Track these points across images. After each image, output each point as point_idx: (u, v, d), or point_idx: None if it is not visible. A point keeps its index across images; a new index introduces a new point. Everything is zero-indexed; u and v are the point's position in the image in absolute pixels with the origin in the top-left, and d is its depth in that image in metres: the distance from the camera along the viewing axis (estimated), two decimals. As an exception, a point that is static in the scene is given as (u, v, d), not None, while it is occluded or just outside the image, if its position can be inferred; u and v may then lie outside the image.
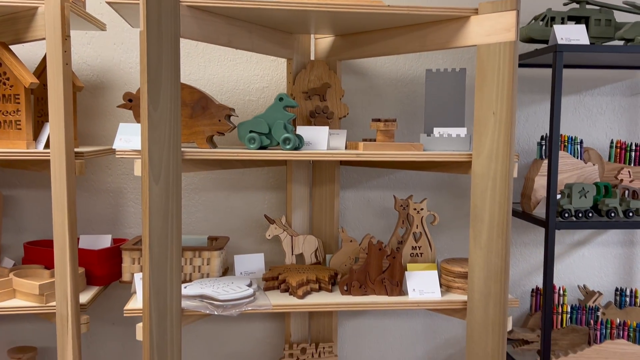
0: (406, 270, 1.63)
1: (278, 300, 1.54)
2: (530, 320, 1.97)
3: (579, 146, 1.84)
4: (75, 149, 1.47)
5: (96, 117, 1.86)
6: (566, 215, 1.66)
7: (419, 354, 2.06)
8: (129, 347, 1.94)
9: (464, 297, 1.57)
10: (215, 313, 1.45)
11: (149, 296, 1.36)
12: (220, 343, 1.97)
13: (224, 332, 1.97)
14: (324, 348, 1.88)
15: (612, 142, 1.92)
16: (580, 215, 1.67)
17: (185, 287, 1.51)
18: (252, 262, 1.76)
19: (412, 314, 2.04)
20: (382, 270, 1.60)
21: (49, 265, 1.60)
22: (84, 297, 1.54)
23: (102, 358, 1.93)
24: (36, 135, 1.54)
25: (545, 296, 1.66)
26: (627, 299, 1.96)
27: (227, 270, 1.79)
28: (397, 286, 1.59)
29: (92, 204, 1.88)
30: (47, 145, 1.48)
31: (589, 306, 1.89)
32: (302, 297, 1.55)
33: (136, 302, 1.49)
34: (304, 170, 1.87)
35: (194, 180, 1.92)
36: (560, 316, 1.88)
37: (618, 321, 1.79)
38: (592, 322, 1.80)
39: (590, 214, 1.67)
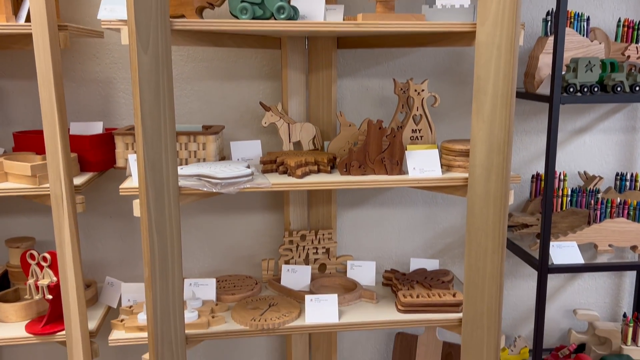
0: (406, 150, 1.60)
1: (276, 180, 1.51)
2: (529, 205, 1.96)
3: (585, 23, 1.77)
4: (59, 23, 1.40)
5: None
6: (571, 90, 1.61)
7: (417, 243, 2.07)
8: (127, 240, 1.93)
9: (465, 175, 1.54)
10: (214, 190, 1.42)
11: (144, 171, 1.33)
12: (219, 235, 1.97)
13: (223, 224, 1.97)
14: (323, 235, 1.88)
15: (619, 20, 1.84)
16: (585, 90, 1.62)
17: (181, 169, 1.48)
18: (249, 149, 1.72)
19: (411, 203, 2.03)
20: (381, 150, 1.56)
21: (40, 152, 1.56)
22: (78, 180, 1.50)
23: (100, 250, 1.93)
24: (16, 12, 1.46)
25: (547, 173, 1.64)
26: (627, 183, 1.95)
27: (223, 159, 1.76)
28: (397, 165, 1.56)
29: (81, 94, 1.82)
30: (28, 20, 1.40)
31: (590, 189, 1.88)
32: (300, 176, 1.52)
33: (132, 182, 1.46)
34: (300, 55, 1.80)
35: (185, 69, 1.85)
36: (560, 199, 1.88)
37: (618, 200, 1.78)
38: (592, 202, 1.79)
39: (595, 89, 1.63)
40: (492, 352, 1.54)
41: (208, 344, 2.04)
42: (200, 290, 1.68)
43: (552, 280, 2.16)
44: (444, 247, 2.09)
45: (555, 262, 1.69)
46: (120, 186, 1.44)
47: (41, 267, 1.51)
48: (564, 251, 1.70)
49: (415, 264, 1.89)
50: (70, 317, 1.45)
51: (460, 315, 1.60)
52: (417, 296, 1.66)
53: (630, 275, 2.19)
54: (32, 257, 1.51)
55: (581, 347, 2.06)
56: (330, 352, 2.00)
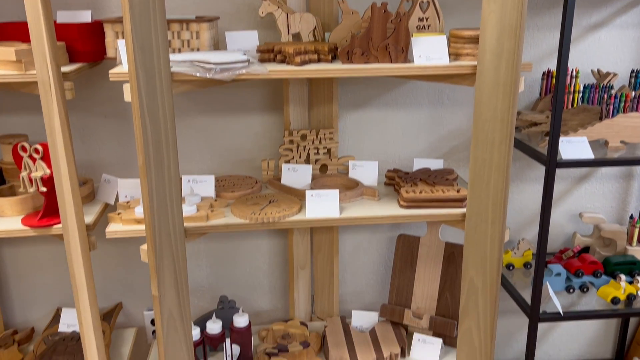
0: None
1: (274, 67, 1.44)
2: (539, 103, 1.89)
3: None
4: None
5: None
6: (590, -30, 1.50)
7: (421, 146, 2.01)
8: (123, 142, 1.88)
9: (474, 62, 1.46)
10: (207, 76, 1.35)
11: (134, 54, 1.26)
12: (217, 137, 1.92)
13: (221, 126, 1.91)
14: (324, 134, 1.82)
15: None
16: (605, -29, 1.51)
17: (174, 55, 1.40)
18: (245, 39, 1.63)
19: (415, 104, 1.96)
20: (386, 36, 1.47)
21: (26, 41, 1.48)
22: (67, 69, 1.43)
23: (96, 151, 1.89)
24: None
25: (559, 65, 1.55)
26: (643, 81, 1.87)
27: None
28: (402, 52, 1.48)
29: (67, -16, 1.71)
30: None
31: (603, 85, 1.80)
32: (299, 64, 1.44)
33: (122, 68, 1.39)
34: (299, -61, 1.67)
35: (177, -43, 1.73)
36: (571, 96, 1.80)
37: (633, 94, 1.70)
38: (605, 97, 1.71)
39: (616, -30, 1.51)
40: (496, 246, 1.52)
41: (209, 248, 2.04)
42: (199, 187, 1.65)
43: (559, 184, 2.11)
44: (449, 150, 2.03)
45: (564, 157, 1.63)
46: (110, 71, 1.36)
47: (33, 160, 1.46)
48: (574, 146, 1.65)
49: (419, 164, 1.84)
50: (66, 209, 1.42)
51: (464, 210, 1.57)
52: (420, 192, 1.62)
53: (638, 179, 2.14)
54: (24, 149, 1.47)
55: (585, 250, 2.05)
56: (332, 254, 2.00)
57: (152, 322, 2.01)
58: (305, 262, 2.01)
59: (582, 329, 2.33)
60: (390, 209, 1.60)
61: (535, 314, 1.74)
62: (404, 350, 1.81)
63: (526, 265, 2.03)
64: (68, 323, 1.86)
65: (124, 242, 1.98)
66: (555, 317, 1.75)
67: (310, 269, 2.03)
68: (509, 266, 2.03)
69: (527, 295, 1.81)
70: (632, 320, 2.32)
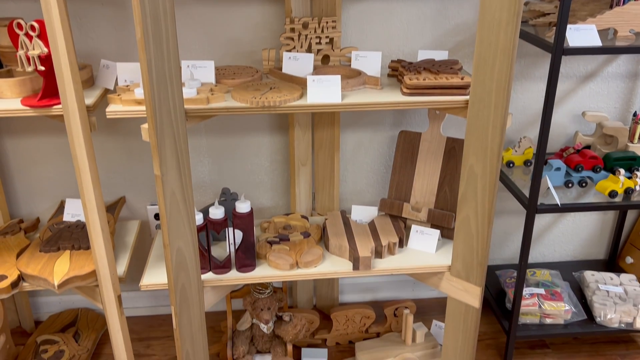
0: None
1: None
2: (548, -7, 1.83)
3: None
4: None
5: None
6: None
7: (426, 39, 1.97)
8: (121, 29, 1.84)
9: (483, -62, 1.40)
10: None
11: None
12: (217, 28, 1.87)
13: (220, 16, 1.86)
14: (327, 23, 1.78)
15: None
16: None
17: None
18: None
19: (421, -5, 1.90)
20: None
21: None
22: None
23: (94, 40, 1.85)
24: None
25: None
26: (658, -30, 1.79)
27: None
28: None
29: None
30: None
31: (616, -27, 1.74)
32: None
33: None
34: None
35: None
36: (582, -16, 1.74)
37: (647, -20, 1.65)
38: (618, -15, 1.66)
39: None
40: (498, 131, 1.51)
41: (211, 144, 2.04)
42: (199, 72, 1.62)
43: (563, 83, 2.09)
44: (455, 45, 1.99)
45: (571, 44, 1.60)
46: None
47: (30, 38, 1.43)
48: (581, 34, 1.61)
49: (423, 55, 1.80)
50: (65, 89, 1.41)
51: (467, 97, 1.55)
52: (424, 79, 1.60)
53: (645, 79, 2.11)
54: (20, 26, 1.43)
55: (586, 149, 2.05)
56: (333, 151, 2.00)
57: (156, 216, 2.05)
58: (306, 159, 2.02)
59: (577, 230, 2.37)
60: (392, 97, 1.59)
61: (533, 206, 1.77)
62: (402, 241, 1.85)
63: (526, 163, 2.04)
64: (72, 213, 1.89)
65: (126, 136, 1.98)
66: (553, 208, 1.77)
67: (311, 165, 2.04)
68: (509, 163, 2.04)
69: (527, 192, 1.82)
70: (627, 222, 2.36)
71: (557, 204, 1.77)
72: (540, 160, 1.70)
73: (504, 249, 2.38)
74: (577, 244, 2.40)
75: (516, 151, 2.04)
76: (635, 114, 1.95)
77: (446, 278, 1.78)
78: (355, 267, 1.73)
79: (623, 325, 1.97)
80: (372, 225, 1.91)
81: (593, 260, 2.41)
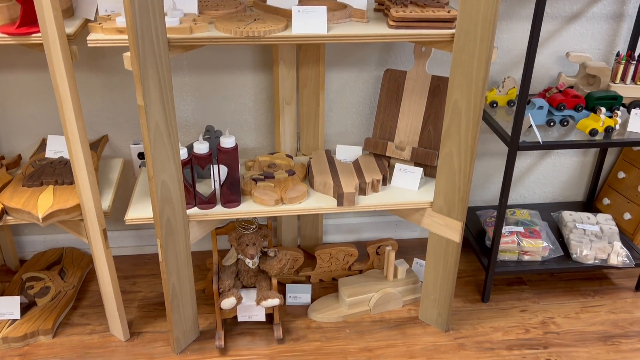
0: None
1: None
2: None
3: None
4: None
5: None
6: None
7: (413, -24, 1.94)
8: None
9: None
10: None
11: None
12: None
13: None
14: (312, -45, 1.74)
15: None
16: None
17: None
18: None
19: None
20: None
21: None
22: None
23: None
24: None
25: None
26: None
27: None
28: None
29: None
30: None
31: None
32: None
33: None
34: None
35: None
36: None
37: None
38: None
39: None
40: (483, 65, 1.51)
41: (194, 82, 2.01)
42: (181, 2, 1.59)
43: (548, 23, 2.08)
44: (441, -18, 1.96)
45: (558, -22, 1.59)
46: None
47: (5, -39, 1.38)
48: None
49: (410, -10, 1.78)
50: (44, 15, 1.37)
51: (453, 30, 1.55)
52: (410, 12, 1.58)
53: (629, 20, 2.11)
54: (-7, -51, 1.38)
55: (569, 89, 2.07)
56: (318, 89, 1.99)
57: (139, 155, 2.03)
58: (291, 98, 2.01)
59: (557, 172, 2.41)
60: (378, 29, 1.57)
61: (515, 143, 1.79)
62: (386, 179, 1.87)
63: (510, 103, 2.06)
64: (55, 149, 1.87)
65: (107, 73, 1.95)
66: (535, 145, 1.80)
67: (296, 105, 2.03)
68: (493, 104, 2.05)
69: (510, 131, 1.84)
70: (606, 164, 2.40)
71: (539, 142, 1.79)
72: (523, 98, 1.71)
73: (485, 190, 2.42)
74: (556, 186, 2.45)
75: (500, 91, 2.05)
76: (618, 54, 1.97)
77: (428, 214, 1.82)
78: (340, 203, 1.75)
79: (598, 261, 2.04)
80: (356, 163, 1.92)
81: (571, 202, 2.47)
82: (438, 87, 1.89)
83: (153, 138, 1.47)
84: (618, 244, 2.04)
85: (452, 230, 1.78)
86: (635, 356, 1.85)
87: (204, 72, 2.00)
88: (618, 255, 2.02)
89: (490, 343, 1.90)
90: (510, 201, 2.46)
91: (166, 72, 1.42)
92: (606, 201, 2.38)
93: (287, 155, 2.00)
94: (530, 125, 1.80)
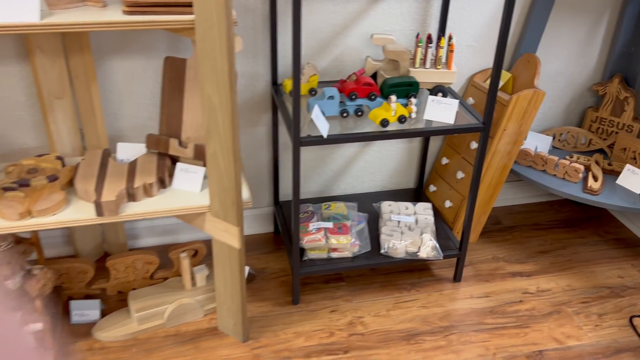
0: None
1: None
2: None
3: None
4: None
5: None
6: None
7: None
8: None
9: None
10: None
11: None
12: None
13: None
14: None
15: None
16: None
17: None
18: None
19: None
20: None
21: None
22: None
23: None
24: None
25: None
26: None
27: None
28: None
29: None
30: None
31: None
32: None
33: None
34: None
35: None
36: None
37: None
38: None
39: None
40: (225, 57, 1.34)
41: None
42: None
43: (352, 2, 1.94)
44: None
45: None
46: None
47: None
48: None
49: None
50: None
51: (193, 17, 1.36)
52: (149, -4, 1.38)
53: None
54: None
55: (374, 76, 1.93)
56: (89, 81, 1.77)
57: None
58: (62, 92, 1.77)
59: (384, 160, 2.30)
60: (110, 16, 1.36)
61: (297, 138, 1.64)
62: (163, 180, 1.68)
63: (312, 91, 1.90)
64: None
65: None
66: (318, 141, 1.66)
67: (71, 99, 1.80)
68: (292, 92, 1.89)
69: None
70: (434, 149, 2.32)
71: (322, 136, 1.65)
72: (296, 89, 1.56)
73: (311, 182, 2.28)
74: (385, 174, 2.34)
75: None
76: (417, 36, 1.84)
77: (208, 219, 1.65)
78: (99, 213, 1.55)
79: (408, 255, 1.95)
80: (132, 165, 1.72)
81: (402, 190, 2.38)
82: (218, 77, 1.70)
83: None
84: (427, 236, 1.95)
85: (231, 236, 1.62)
86: (436, 354, 1.78)
87: (-46, 64, 1.73)
88: (428, 247, 1.94)
89: (288, 351, 1.77)
90: (339, 191, 2.33)
91: None
92: (432, 188, 2.30)
93: (58, 157, 1.76)
94: (311, 120, 1.66)
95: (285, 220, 2.13)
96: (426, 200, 2.29)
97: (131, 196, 1.62)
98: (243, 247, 1.64)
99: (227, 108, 1.41)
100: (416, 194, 2.34)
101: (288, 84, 1.89)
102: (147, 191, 1.64)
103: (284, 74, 2.01)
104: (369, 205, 2.21)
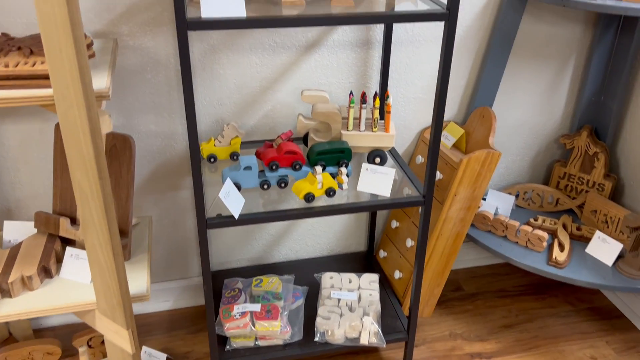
0: None
1: None
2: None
3: None
4: None
5: None
6: None
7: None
8: None
9: None
10: None
11: None
12: None
13: None
14: None
15: None
16: None
17: None
18: None
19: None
20: None
21: None
22: None
23: None
24: None
25: None
26: None
27: None
28: None
29: None
30: None
31: None
32: None
33: None
34: None
35: None
36: None
37: None
38: None
39: None
40: (89, 139, 1.10)
41: None
42: None
43: (280, 55, 1.71)
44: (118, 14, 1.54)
45: (203, 16, 1.19)
46: None
47: None
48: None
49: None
50: None
51: (51, 92, 1.12)
52: (6, 66, 1.14)
53: (379, 48, 1.78)
54: None
55: (307, 137, 1.70)
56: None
57: None
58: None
59: (328, 221, 2.06)
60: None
61: (202, 219, 1.40)
62: (48, 270, 1.43)
63: (233, 156, 1.67)
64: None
65: None
66: (230, 222, 1.42)
67: (-48, 170, 1.56)
68: (211, 158, 1.65)
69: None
70: (380, 213, 2.08)
71: (234, 217, 1.41)
72: (194, 157, 1.32)
73: (246, 248, 2.04)
74: (331, 236, 2.10)
75: (220, 142, 1.66)
76: (350, 94, 1.61)
77: (98, 316, 1.40)
78: (-40, 316, 1.30)
79: (348, 341, 1.70)
80: (14, 250, 1.47)
81: (351, 254, 2.13)
82: (114, 148, 1.47)
83: None
84: (369, 320, 1.70)
85: (122, 338, 1.37)
86: None
87: None
88: (369, 333, 1.69)
89: None
90: (280, 257, 2.09)
91: None
92: (383, 254, 2.06)
93: None
94: (217, 197, 1.41)
95: (215, 294, 1.88)
96: (377, 267, 2.04)
97: (5, 292, 1.37)
98: (139, 352, 1.39)
99: (98, 198, 1.17)
100: (366, 260, 2.10)
101: (205, 148, 1.65)
102: (27, 284, 1.39)
103: (206, 132, 1.77)
104: (310, 275, 1.96)
